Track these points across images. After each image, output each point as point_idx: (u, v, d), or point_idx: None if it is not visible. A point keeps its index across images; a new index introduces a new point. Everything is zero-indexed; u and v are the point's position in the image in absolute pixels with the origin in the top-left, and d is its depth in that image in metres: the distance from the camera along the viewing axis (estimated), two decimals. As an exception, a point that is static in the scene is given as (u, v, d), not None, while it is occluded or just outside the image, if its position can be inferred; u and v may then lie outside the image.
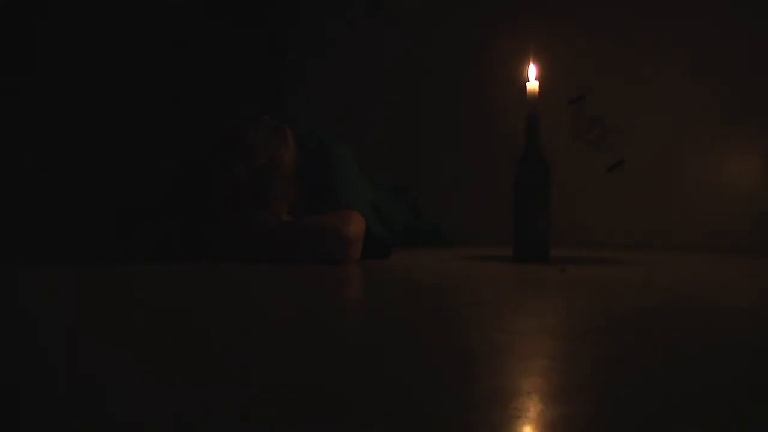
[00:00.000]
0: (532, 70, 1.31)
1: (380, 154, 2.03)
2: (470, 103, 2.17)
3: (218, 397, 0.35)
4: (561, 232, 1.45)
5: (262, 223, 1.20)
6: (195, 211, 1.26)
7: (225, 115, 1.58)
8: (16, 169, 1.71)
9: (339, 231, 1.15)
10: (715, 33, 1.82)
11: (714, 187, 1.83)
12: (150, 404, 0.34)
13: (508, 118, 1.79)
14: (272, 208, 1.20)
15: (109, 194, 1.67)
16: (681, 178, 1.88)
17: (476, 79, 2.14)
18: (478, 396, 0.35)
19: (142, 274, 1.02)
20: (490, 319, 0.62)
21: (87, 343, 0.50)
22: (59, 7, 1.79)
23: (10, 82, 1.66)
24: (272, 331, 0.56)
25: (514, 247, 1.29)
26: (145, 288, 0.87)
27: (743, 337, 0.55)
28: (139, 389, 0.37)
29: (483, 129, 2.14)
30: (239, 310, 0.68)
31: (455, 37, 2.21)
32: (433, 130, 2.25)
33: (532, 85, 1.30)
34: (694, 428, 0.31)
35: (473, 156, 2.16)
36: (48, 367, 0.42)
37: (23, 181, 1.71)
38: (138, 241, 1.22)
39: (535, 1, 2.06)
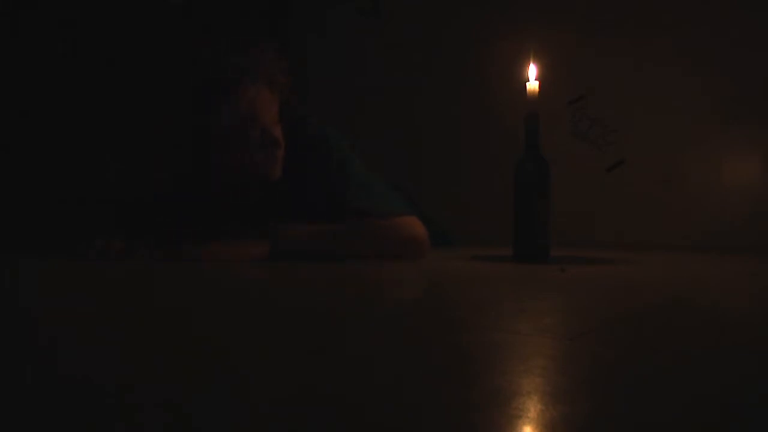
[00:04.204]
0: (532, 70, 1.31)
1: (380, 154, 2.03)
2: (470, 103, 2.17)
3: (218, 397, 0.35)
4: (561, 232, 1.45)
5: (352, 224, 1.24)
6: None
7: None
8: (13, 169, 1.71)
9: (419, 239, 1.27)
10: (716, 33, 1.82)
11: (714, 187, 1.83)
12: (150, 404, 0.34)
13: (508, 118, 1.79)
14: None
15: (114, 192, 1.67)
16: (681, 178, 1.88)
17: (476, 79, 2.14)
18: (478, 396, 0.35)
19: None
20: (490, 319, 0.62)
21: (90, 342, 0.50)
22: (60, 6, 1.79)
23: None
24: (270, 331, 0.56)
25: (514, 247, 1.29)
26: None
27: (743, 337, 0.55)
28: (142, 389, 0.37)
29: (483, 129, 2.14)
30: (235, 309, 0.68)
31: (456, 37, 2.21)
32: (433, 130, 2.25)
33: (532, 85, 1.30)
34: (693, 428, 0.31)
35: (473, 156, 2.16)
36: (40, 366, 0.42)
37: (19, 179, 1.71)
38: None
39: (535, 1, 2.06)
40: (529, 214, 1.27)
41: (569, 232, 1.77)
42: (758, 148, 1.78)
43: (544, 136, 1.31)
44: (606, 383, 0.39)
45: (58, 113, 1.87)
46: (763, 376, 0.41)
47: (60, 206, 1.74)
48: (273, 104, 1.23)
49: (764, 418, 0.33)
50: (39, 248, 1.42)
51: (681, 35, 1.86)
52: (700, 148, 1.85)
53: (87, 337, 0.52)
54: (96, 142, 1.89)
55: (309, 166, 1.28)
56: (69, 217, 1.64)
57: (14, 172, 1.80)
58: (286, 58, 1.25)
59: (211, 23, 2.11)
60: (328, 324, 0.60)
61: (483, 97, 2.12)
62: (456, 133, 2.21)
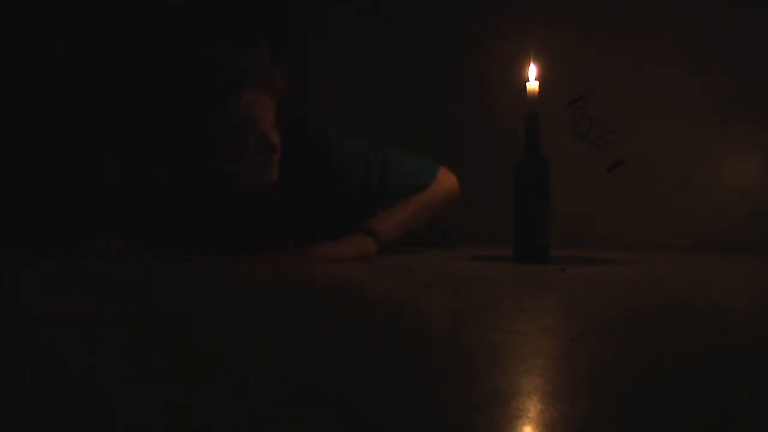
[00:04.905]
0: (532, 70, 1.31)
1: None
2: (470, 103, 2.17)
3: (218, 397, 0.35)
4: (561, 232, 1.45)
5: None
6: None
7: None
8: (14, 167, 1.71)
9: (456, 190, 1.40)
10: (716, 33, 1.82)
11: (714, 187, 1.83)
12: (150, 404, 0.34)
13: (508, 118, 1.79)
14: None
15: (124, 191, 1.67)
16: (681, 178, 1.88)
17: (476, 79, 2.14)
18: (478, 396, 0.35)
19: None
20: (490, 319, 0.62)
21: (98, 340, 0.50)
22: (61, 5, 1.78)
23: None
24: (271, 331, 0.56)
25: (514, 247, 1.29)
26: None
27: (743, 337, 0.55)
28: (142, 389, 0.37)
29: (483, 129, 2.14)
30: (235, 309, 0.68)
31: (456, 37, 2.21)
32: (433, 130, 2.25)
33: (532, 85, 1.30)
34: (693, 428, 0.31)
35: (473, 156, 2.16)
36: (44, 365, 0.42)
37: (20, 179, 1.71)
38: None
39: (535, 1, 2.06)
40: (529, 214, 1.27)
41: (569, 232, 1.77)
42: (758, 148, 1.78)
43: (544, 136, 1.31)
44: (606, 383, 0.39)
45: (58, 113, 1.87)
46: (763, 376, 0.41)
47: (60, 206, 1.74)
48: (271, 107, 1.23)
49: (764, 418, 0.33)
50: (39, 248, 1.42)
51: (681, 35, 1.86)
52: (700, 148, 1.85)
53: (87, 337, 0.52)
54: (96, 142, 1.89)
55: (309, 166, 1.28)
56: (69, 217, 1.64)
57: (14, 172, 1.80)
58: (286, 59, 1.25)
59: (211, 23, 2.11)
60: (328, 324, 0.60)
61: (483, 97, 2.12)
62: (456, 133, 2.20)
